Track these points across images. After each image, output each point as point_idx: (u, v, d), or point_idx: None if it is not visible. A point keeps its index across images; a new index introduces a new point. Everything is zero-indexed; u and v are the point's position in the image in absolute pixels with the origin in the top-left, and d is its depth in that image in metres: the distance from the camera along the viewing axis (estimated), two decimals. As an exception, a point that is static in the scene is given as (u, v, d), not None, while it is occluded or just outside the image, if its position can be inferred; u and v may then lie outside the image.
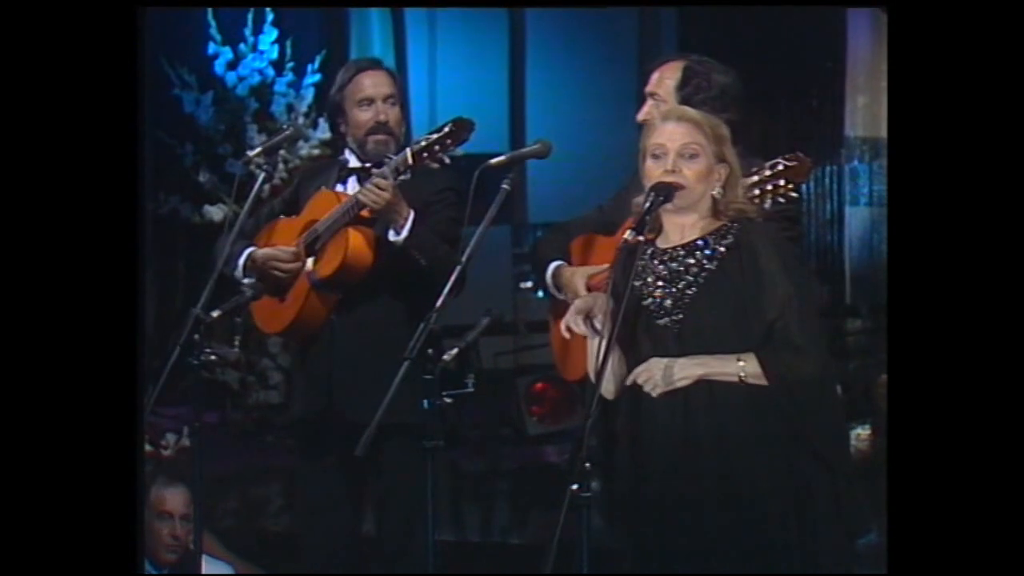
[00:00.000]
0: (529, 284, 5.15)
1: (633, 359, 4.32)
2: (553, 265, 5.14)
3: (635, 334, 4.33)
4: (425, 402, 4.58)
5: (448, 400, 4.58)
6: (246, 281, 5.32)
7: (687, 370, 4.25)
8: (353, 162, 5.45)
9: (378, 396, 4.88)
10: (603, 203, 5.32)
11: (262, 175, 5.33)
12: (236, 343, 5.44)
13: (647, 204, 4.28)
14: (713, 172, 4.34)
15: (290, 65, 9.89)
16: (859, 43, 10.82)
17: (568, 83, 10.74)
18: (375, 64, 5.53)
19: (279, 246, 5.38)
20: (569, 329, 4.37)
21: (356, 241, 5.22)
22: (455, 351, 4.62)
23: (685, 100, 5.05)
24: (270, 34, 9.97)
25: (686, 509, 4.24)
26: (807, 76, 10.83)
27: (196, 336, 4.94)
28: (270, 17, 9.99)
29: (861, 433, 8.37)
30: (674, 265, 4.34)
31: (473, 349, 4.90)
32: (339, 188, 5.42)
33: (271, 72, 9.98)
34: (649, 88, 5.19)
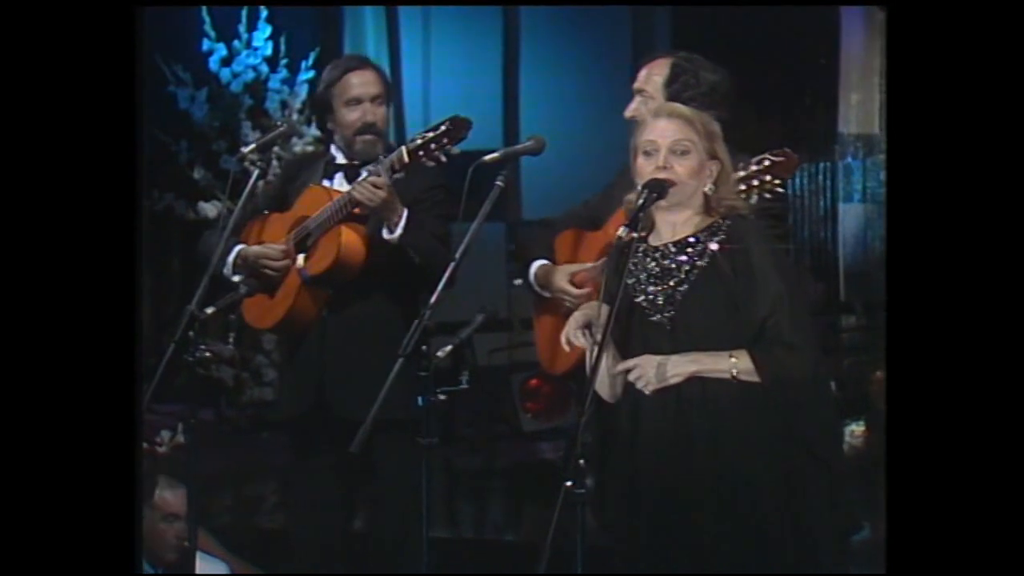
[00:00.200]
0: (520, 282, 5.16)
1: (627, 357, 4.32)
2: (536, 264, 5.16)
3: (628, 332, 4.34)
4: (420, 399, 4.58)
5: (442, 397, 4.59)
6: (236, 278, 5.33)
7: (679, 367, 4.25)
8: (340, 158, 5.45)
9: (369, 392, 4.90)
10: (588, 198, 5.33)
11: (256, 172, 5.33)
12: (231, 340, 5.45)
13: (640, 201, 4.28)
14: (704, 168, 4.35)
15: (284, 62, 9.89)
16: (852, 40, 10.81)
17: (562, 80, 10.75)
18: (363, 63, 5.52)
19: (268, 243, 5.38)
20: (570, 342, 4.37)
21: (349, 239, 5.22)
22: (449, 348, 4.63)
23: (673, 97, 5.06)
24: (264, 31, 9.97)
25: (679, 506, 4.25)
26: (800, 73, 10.82)
27: (191, 333, 4.94)
28: (264, 14, 9.98)
29: (855, 430, 8.37)
30: (666, 262, 4.35)
31: (467, 346, 4.90)
32: (326, 183, 5.42)
33: (265, 69, 9.98)
34: (637, 84, 5.20)
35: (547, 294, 5.15)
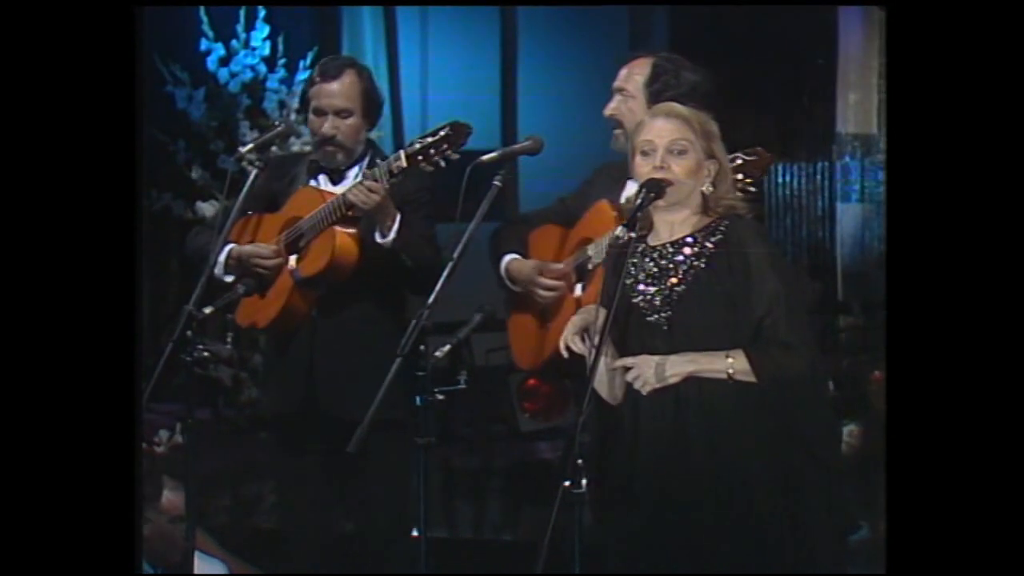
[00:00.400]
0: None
1: (624, 356, 4.32)
2: (507, 258, 5.16)
3: (626, 332, 4.34)
4: (418, 398, 4.59)
5: (440, 396, 4.59)
6: (228, 278, 5.32)
7: (677, 367, 4.25)
8: None
9: (359, 392, 4.93)
10: (564, 195, 5.34)
11: (254, 171, 5.33)
12: (229, 339, 5.45)
13: (638, 201, 4.28)
14: (702, 168, 4.35)
15: (282, 61, 9.87)
16: (850, 40, 10.81)
17: (560, 80, 10.74)
18: (339, 72, 5.40)
19: (259, 242, 5.38)
20: (568, 348, 4.37)
21: (343, 241, 5.22)
22: (447, 348, 4.63)
23: (654, 97, 5.08)
24: (262, 30, 9.96)
25: (677, 506, 4.25)
26: (798, 73, 10.83)
27: (189, 333, 4.94)
28: (262, 13, 9.98)
29: (853, 429, 8.37)
30: (664, 262, 4.35)
31: (465, 346, 4.91)
32: (312, 183, 5.42)
33: (263, 68, 9.97)
34: (617, 84, 5.20)
35: (517, 288, 5.16)
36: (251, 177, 5.31)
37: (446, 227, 5.10)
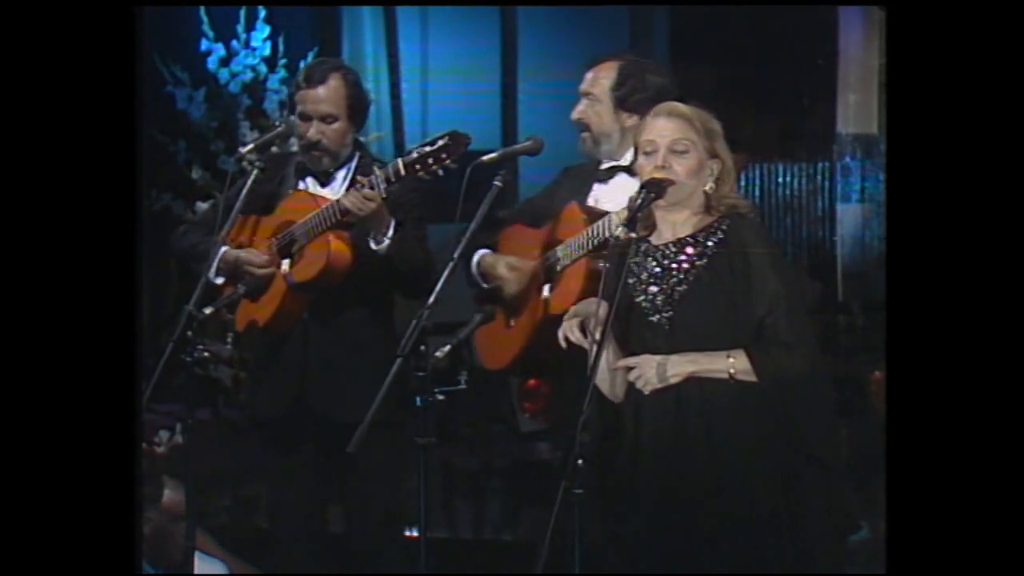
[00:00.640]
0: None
1: (627, 357, 4.32)
2: (479, 253, 5.15)
3: (627, 332, 4.34)
4: (418, 399, 4.58)
5: (441, 397, 4.59)
6: (219, 281, 5.32)
7: (678, 367, 4.25)
8: None
9: (352, 394, 4.94)
10: (533, 196, 5.35)
11: (254, 172, 5.32)
12: (229, 340, 5.44)
13: (638, 201, 4.28)
14: (704, 167, 4.34)
15: (283, 62, 9.88)
16: (850, 40, 10.81)
17: (559, 80, 10.74)
18: (324, 77, 5.39)
19: (247, 245, 5.38)
20: (566, 338, 4.37)
21: (337, 247, 5.22)
22: (448, 348, 4.62)
23: (620, 101, 5.09)
24: (262, 31, 9.96)
25: (678, 506, 4.25)
26: (799, 73, 10.82)
27: (189, 333, 4.94)
28: (262, 14, 9.98)
29: (853, 430, 8.37)
30: (666, 262, 4.35)
31: (466, 346, 4.91)
32: (300, 185, 5.41)
33: (264, 69, 9.97)
34: (583, 87, 5.20)
35: (486, 285, 5.15)
36: (251, 177, 5.31)
37: (446, 227, 5.10)
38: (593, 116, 5.14)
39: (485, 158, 5.00)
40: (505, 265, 5.11)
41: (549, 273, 5.04)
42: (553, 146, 5.23)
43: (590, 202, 5.10)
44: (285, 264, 5.34)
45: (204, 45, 9.93)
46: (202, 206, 9.56)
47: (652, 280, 4.34)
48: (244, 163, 5.40)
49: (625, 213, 4.77)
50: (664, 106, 4.45)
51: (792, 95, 10.89)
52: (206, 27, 9.89)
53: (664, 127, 4.35)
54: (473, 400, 8.58)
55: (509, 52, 10.99)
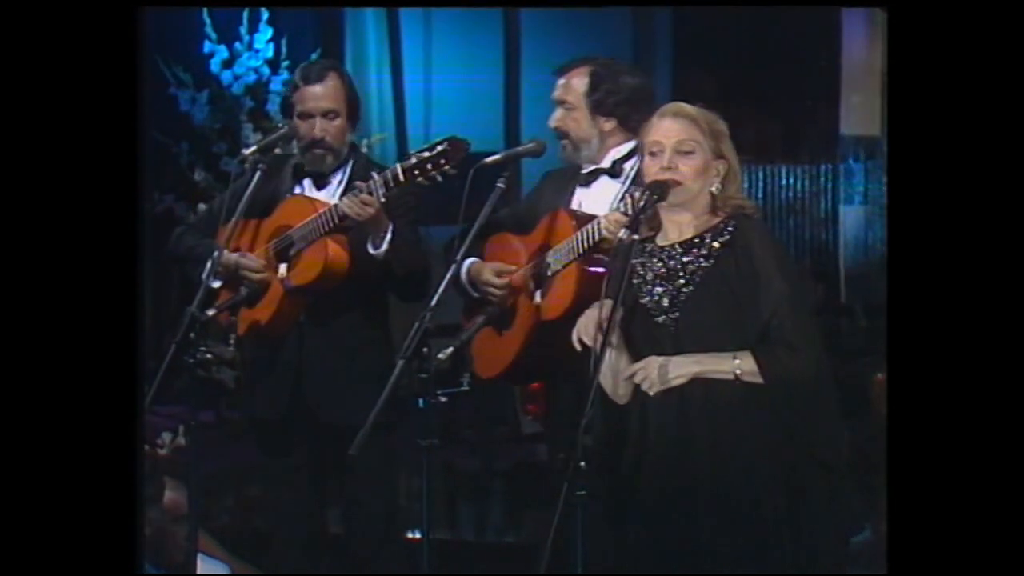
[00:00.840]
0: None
1: (632, 358, 4.32)
2: (467, 261, 5.15)
3: (634, 333, 4.34)
4: (420, 400, 4.58)
5: (443, 398, 4.59)
6: (216, 284, 5.32)
7: (683, 368, 4.25)
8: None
9: (347, 397, 4.94)
10: (515, 204, 5.34)
11: (257, 174, 5.32)
12: (231, 341, 5.45)
13: (641, 202, 4.28)
14: (710, 168, 4.34)
15: (285, 64, 9.88)
16: (854, 42, 10.82)
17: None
18: (322, 75, 5.43)
19: (244, 248, 5.38)
20: (581, 342, 4.36)
21: (334, 251, 5.22)
22: (450, 350, 4.62)
23: (596, 105, 5.09)
24: (265, 33, 9.97)
25: (681, 507, 4.24)
26: (802, 75, 10.83)
27: (192, 335, 4.94)
28: (265, 16, 9.98)
29: (855, 432, 8.36)
30: (672, 263, 4.34)
31: (468, 348, 4.91)
32: (297, 189, 5.41)
33: (266, 71, 9.97)
34: (557, 95, 5.19)
35: (476, 293, 5.15)
36: (254, 180, 5.31)
37: (448, 229, 5.10)
38: (571, 123, 5.14)
39: (488, 160, 5.00)
40: (491, 272, 5.10)
41: (540, 279, 5.03)
42: (555, 148, 5.23)
43: (574, 206, 5.10)
44: (283, 268, 5.34)
45: (207, 47, 9.93)
46: (203, 208, 9.57)
47: (657, 281, 4.34)
48: (247, 165, 5.40)
49: (616, 215, 4.77)
50: (670, 107, 4.44)
51: (795, 97, 10.89)
52: (209, 29, 9.90)
53: (670, 128, 4.34)
54: (475, 402, 8.59)
55: (512, 55, 11.00)
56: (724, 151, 4.36)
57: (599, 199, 5.02)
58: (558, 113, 5.17)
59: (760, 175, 10.99)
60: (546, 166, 5.35)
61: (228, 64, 9.93)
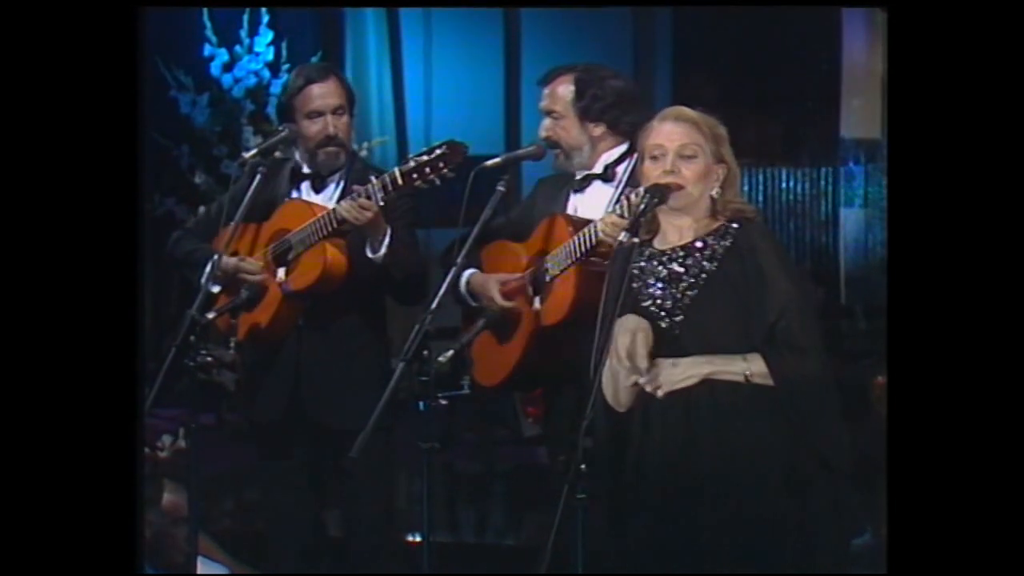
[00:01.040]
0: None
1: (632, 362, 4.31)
2: (467, 272, 5.14)
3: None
4: (421, 403, 4.58)
5: (444, 401, 4.59)
6: (216, 289, 5.32)
7: (694, 368, 4.24)
8: (306, 167, 5.45)
9: (345, 400, 4.94)
10: (510, 212, 5.34)
11: (258, 177, 5.32)
12: (232, 344, 5.44)
13: (641, 206, 4.28)
14: (712, 172, 4.34)
15: (286, 67, 9.88)
16: (854, 44, 10.82)
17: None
18: (324, 74, 5.46)
19: (242, 252, 5.38)
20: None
21: (333, 255, 5.22)
22: (451, 353, 4.62)
23: (584, 112, 5.09)
24: (266, 36, 9.98)
25: (684, 507, 4.24)
26: (802, 78, 10.83)
27: (192, 338, 4.94)
28: (265, 19, 9.99)
29: (856, 435, 8.36)
30: (673, 266, 4.34)
31: (468, 350, 4.91)
32: (294, 193, 5.42)
33: (267, 74, 9.99)
34: (545, 105, 5.18)
35: (476, 304, 5.14)
36: (254, 183, 5.30)
37: (449, 232, 5.10)
38: (561, 132, 5.14)
39: (488, 163, 5.00)
40: (496, 283, 5.10)
41: (538, 285, 5.03)
42: (548, 157, 5.23)
43: (569, 211, 5.10)
44: (281, 272, 5.34)
45: (207, 50, 9.95)
46: (202, 212, 9.57)
47: (658, 284, 4.33)
48: (247, 168, 5.39)
49: (612, 217, 4.77)
50: (671, 111, 4.44)
51: (795, 100, 10.90)
52: (209, 32, 9.91)
53: (672, 131, 4.34)
54: (475, 405, 8.59)
55: (512, 57, 11.01)
56: (724, 155, 4.36)
57: (594, 204, 5.02)
58: (547, 123, 5.17)
59: (760, 178, 11.00)
60: (545, 170, 5.35)
61: (228, 67, 9.94)
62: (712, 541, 4.22)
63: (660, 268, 4.35)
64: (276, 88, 9.83)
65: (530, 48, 10.97)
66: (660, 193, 4.27)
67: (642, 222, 4.27)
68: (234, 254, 5.36)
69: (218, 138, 9.88)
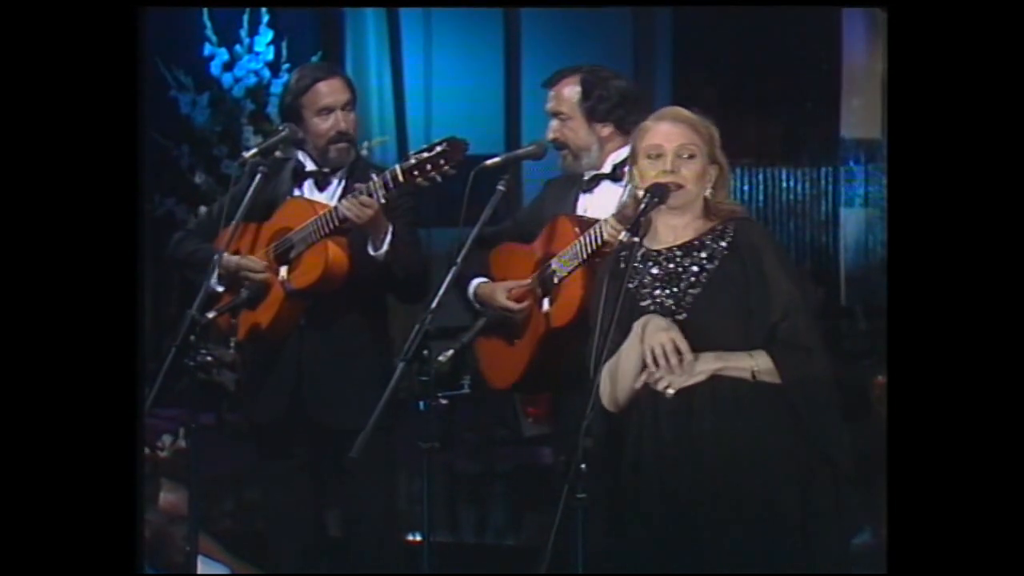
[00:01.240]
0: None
1: (626, 370, 4.31)
2: (475, 282, 5.15)
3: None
4: (421, 403, 4.58)
5: (444, 401, 4.59)
6: (220, 289, 5.32)
7: (702, 365, 4.24)
8: (310, 165, 5.45)
9: (347, 400, 4.93)
10: (517, 214, 5.35)
11: (258, 176, 5.32)
12: (232, 344, 5.45)
13: (642, 206, 4.28)
14: (707, 172, 4.35)
15: (286, 66, 9.88)
16: (854, 44, 10.82)
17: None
18: (331, 71, 5.51)
19: (244, 251, 5.38)
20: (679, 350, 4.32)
21: (335, 253, 5.22)
22: (451, 352, 4.62)
23: (590, 112, 5.11)
24: (266, 35, 9.98)
25: (684, 507, 4.24)
26: (802, 78, 10.83)
27: (192, 337, 4.94)
28: (266, 18, 9.99)
29: (856, 435, 8.36)
30: (671, 266, 4.34)
31: (469, 350, 4.91)
32: (296, 191, 5.42)
33: (267, 73, 9.98)
34: (551, 107, 5.20)
35: (485, 311, 5.14)
36: (254, 182, 5.31)
37: (448, 232, 5.10)
38: (568, 133, 5.16)
39: (488, 163, 5.00)
40: (505, 294, 5.10)
41: (547, 287, 5.03)
42: (555, 159, 5.24)
43: (579, 212, 5.10)
44: (283, 271, 5.34)
45: (207, 50, 9.94)
46: (205, 211, 9.57)
47: (657, 284, 4.33)
48: (247, 168, 5.40)
49: (614, 218, 4.77)
50: (668, 111, 4.45)
51: (795, 100, 10.90)
52: (209, 32, 9.90)
53: (670, 132, 4.35)
54: (476, 404, 8.59)
55: (512, 56, 11.01)
56: (717, 156, 4.38)
57: (603, 204, 5.02)
58: (554, 124, 5.18)
59: (760, 178, 11.00)
60: (547, 168, 5.35)
61: (228, 67, 9.94)
62: (712, 540, 4.22)
63: (655, 268, 4.35)
64: (276, 88, 9.84)
65: (530, 48, 10.97)
66: (661, 193, 4.28)
67: (642, 222, 4.27)
68: (235, 253, 5.36)
69: (218, 138, 9.88)
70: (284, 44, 9.97)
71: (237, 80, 9.94)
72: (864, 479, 4.41)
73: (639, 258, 4.35)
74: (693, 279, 4.31)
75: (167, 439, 6.76)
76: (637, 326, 4.28)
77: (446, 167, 5.02)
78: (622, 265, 4.26)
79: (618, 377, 4.30)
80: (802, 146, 11.10)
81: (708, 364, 4.25)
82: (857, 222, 11.09)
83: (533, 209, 5.31)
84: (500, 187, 4.93)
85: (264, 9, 9.97)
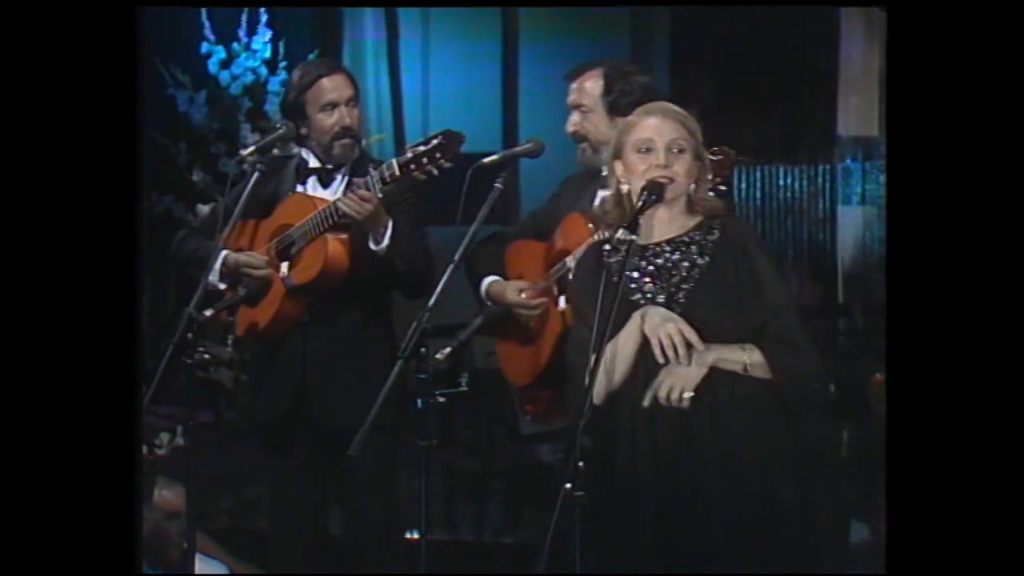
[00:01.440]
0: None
1: (623, 359, 4.31)
2: (487, 280, 5.16)
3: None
4: (419, 401, 4.58)
5: (441, 399, 4.59)
6: (222, 286, 5.32)
7: (700, 358, 4.23)
8: (313, 162, 5.44)
9: (350, 397, 4.93)
10: (535, 210, 5.35)
11: (256, 174, 5.32)
12: (230, 342, 5.44)
13: (640, 203, 4.27)
14: (694, 168, 4.35)
15: (283, 64, 9.89)
16: (852, 42, 10.82)
17: (561, 82, 10.73)
18: (334, 67, 5.50)
19: (245, 248, 5.38)
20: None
21: (335, 249, 5.22)
22: (448, 350, 4.62)
23: (612, 106, 5.12)
24: (263, 33, 9.98)
25: (682, 506, 4.24)
26: (800, 75, 10.83)
27: (189, 335, 4.94)
28: (264, 17, 9.99)
29: (853, 433, 8.36)
30: (660, 261, 4.34)
31: (466, 348, 4.90)
32: (299, 188, 5.42)
33: (264, 71, 9.98)
34: (572, 100, 5.22)
35: (498, 308, 5.14)
36: (252, 180, 5.31)
37: (447, 229, 5.10)
38: (589, 126, 5.17)
39: (486, 160, 5.01)
40: (516, 292, 5.10)
41: (562, 285, 5.04)
42: (554, 148, 5.24)
43: (597, 203, 5.10)
44: (284, 267, 5.34)
45: (205, 48, 9.94)
46: (203, 209, 9.57)
47: (646, 279, 4.33)
48: (245, 165, 5.39)
49: (591, 213, 4.78)
50: (655, 105, 4.45)
51: (793, 98, 10.90)
52: (207, 30, 9.90)
53: (661, 126, 4.34)
54: (474, 402, 8.59)
55: (510, 54, 11.00)
56: (700, 152, 4.38)
57: None
58: (574, 117, 5.19)
59: (758, 175, 11.00)
60: (544, 166, 5.35)
61: (226, 64, 9.93)
62: (710, 538, 4.22)
63: (644, 263, 4.34)
64: (274, 85, 9.85)
65: (528, 47, 10.97)
66: (657, 190, 4.28)
67: (639, 219, 4.27)
68: (237, 250, 5.36)
69: (216, 135, 9.87)
70: (282, 42, 9.97)
71: (235, 78, 9.93)
72: (861, 478, 4.42)
73: (623, 253, 4.33)
74: (685, 274, 4.31)
75: (165, 437, 6.76)
76: (636, 315, 4.28)
77: (442, 160, 5.03)
78: (606, 259, 4.26)
79: (614, 366, 4.29)
80: (800, 144, 11.09)
81: (703, 357, 4.25)
82: (855, 220, 11.09)
83: (551, 206, 5.31)
84: (498, 184, 4.93)
85: (262, 7, 9.97)
